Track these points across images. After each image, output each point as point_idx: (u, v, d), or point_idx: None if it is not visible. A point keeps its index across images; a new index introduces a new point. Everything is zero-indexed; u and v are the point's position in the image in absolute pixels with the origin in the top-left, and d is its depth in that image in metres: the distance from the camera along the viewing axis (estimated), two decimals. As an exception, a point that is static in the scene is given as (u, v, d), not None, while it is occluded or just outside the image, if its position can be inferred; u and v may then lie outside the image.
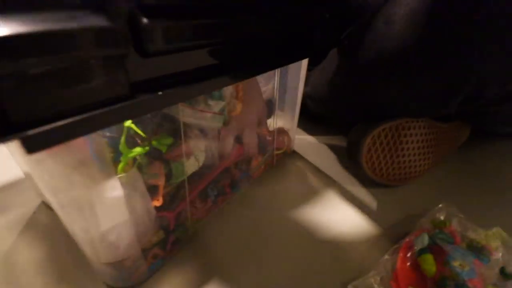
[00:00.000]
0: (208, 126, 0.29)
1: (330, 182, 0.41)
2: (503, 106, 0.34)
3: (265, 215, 0.36)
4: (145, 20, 0.16)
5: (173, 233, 0.30)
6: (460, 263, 0.26)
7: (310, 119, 0.53)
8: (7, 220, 0.36)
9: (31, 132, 0.13)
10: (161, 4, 0.17)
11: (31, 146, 0.13)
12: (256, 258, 0.31)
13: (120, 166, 0.22)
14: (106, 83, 0.15)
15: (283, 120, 0.45)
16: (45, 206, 0.38)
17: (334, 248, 0.32)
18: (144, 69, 0.17)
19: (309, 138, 0.51)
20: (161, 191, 0.26)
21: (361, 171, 0.37)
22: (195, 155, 0.28)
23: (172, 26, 0.17)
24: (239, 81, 0.24)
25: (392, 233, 0.33)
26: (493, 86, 0.31)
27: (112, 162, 0.21)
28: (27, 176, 0.38)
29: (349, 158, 0.39)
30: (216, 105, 0.28)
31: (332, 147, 0.49)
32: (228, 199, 0.37)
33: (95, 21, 0.14)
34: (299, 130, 0.53)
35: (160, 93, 0.17)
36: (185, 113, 0.26)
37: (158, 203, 0.26)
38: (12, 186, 0.41)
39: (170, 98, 0.18)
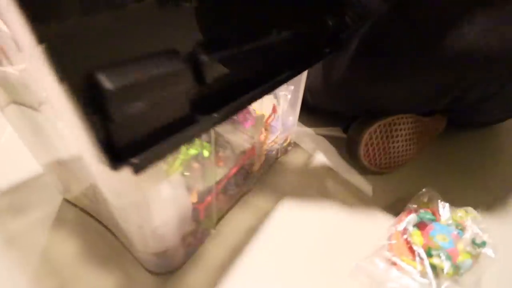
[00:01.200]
0: (240, 144, 0.33)
1: (330, 171, 0.47)
2: (482, 105, 0.40)
3: (278, 204, 0.41)
4: (205, 58, 0.19)
5: (202, 224, 0.34)
6: (441, 236, 0.32)
7: (307, 111, 0.57)
8: (35, 218, 0.38)
9: (135, 160, 0.16)
10: (216, 39, 0.20)
11: (137, 170, 0.16)
12: (273, 242, 0.36)
13: (177, 164, 0.25)
14: (179, 111, 0.19)
15: (285, 114, 0.49)
16: (67, 203, 0.40)
17: (338, 230, 0.38)
18: (203, 95, 0.20)
19: (307, 130, 0.56)
20: (196, 190, 0.30)
21: (359, 163, 0.42)
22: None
23: (226, 58, 0.20)
24: (271, 92, 0.28)
25: (387, 214, 0.39)
26: (477, 90, 0.37)
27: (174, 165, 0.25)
28: (46, 172, 0.39)
29: (348, 153, 0.44)
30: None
31: (329, 138, 0.54)
32: (244, 191, 0.41)
33: (175, 65, 0.17)
34: (297, 122, 0.57)
35: (215, 115, 0.21)
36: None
37: (194, 199, 0.30)
38: (30, 184, 0.43)
39: (221, 117, 0.22)
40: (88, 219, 0.38)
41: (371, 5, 0.42)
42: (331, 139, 0.54)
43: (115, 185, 0.22)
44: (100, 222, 0.37)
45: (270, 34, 0.25)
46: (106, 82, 0.13)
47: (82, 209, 0.39)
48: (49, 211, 0.39)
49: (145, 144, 0.17)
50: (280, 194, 0.42)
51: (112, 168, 0.15)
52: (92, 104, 0.14)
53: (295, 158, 0.49)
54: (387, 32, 0.38)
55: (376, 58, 0.38)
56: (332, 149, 0.52)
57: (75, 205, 0.39)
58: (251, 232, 0.37)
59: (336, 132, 0.55)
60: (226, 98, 0.22)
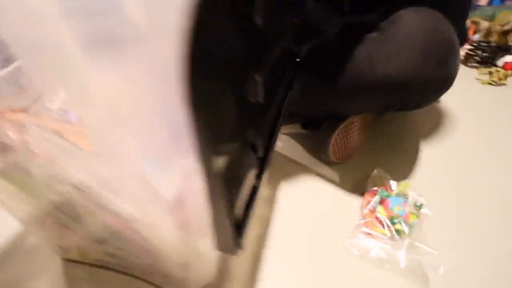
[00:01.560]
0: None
1: (300, 166, 0.55)
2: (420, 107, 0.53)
3: (272, 208, 0.47)
4: (258, 139, 0.23)
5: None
6: (397, 207, 0.45)
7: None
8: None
9: (242, 240, 0.20)
10: (261, 119, 0.24)
11: (242, 246, 0.20)
12: (280, 242, 0.43)
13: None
14: (249, 187, 0.23)
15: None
16: (70, 261, 0.38)
17: (323, 217, 0.47)
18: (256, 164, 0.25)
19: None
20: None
21: (328, 159, 0.52)
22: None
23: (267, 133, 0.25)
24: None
25: (353, 194, 0.51)
26: (412, 103, 0.49)
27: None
28: (30, 229, 0.36)
29: (319, 151, 0.54)
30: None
31: (291, 136, 0.62)
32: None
33: (251, 156, 0.21)
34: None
35: (263, 175, 0.26)
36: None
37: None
38: (15, 250, 0.38)
39: (264, 172, 0.26)
40: (103, 272, 0.38)
41: (324, 25, 0.50)
42: (293, 136, 0.62)
43: (185, 250, 0.25)
44: (116, 270, 0.38)
45: (278, 89, 0.30)
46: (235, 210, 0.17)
47: (91, 264, 0.38)
48: (54, 276, 0.37)
49: (241, 224, 0.21)
50: (270, 197, 0.49)
51: (233, 254, 0.19)
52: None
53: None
54: (331, 55, 0.47)
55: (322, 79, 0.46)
56: (297, 145, 0.60)
57: (81, 262, 0.38)
58: (260, 238, 0.43)
59: (296, 129, 0.63)
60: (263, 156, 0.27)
